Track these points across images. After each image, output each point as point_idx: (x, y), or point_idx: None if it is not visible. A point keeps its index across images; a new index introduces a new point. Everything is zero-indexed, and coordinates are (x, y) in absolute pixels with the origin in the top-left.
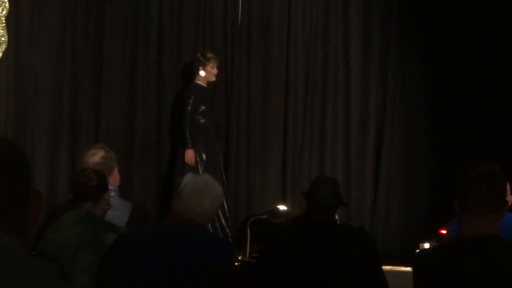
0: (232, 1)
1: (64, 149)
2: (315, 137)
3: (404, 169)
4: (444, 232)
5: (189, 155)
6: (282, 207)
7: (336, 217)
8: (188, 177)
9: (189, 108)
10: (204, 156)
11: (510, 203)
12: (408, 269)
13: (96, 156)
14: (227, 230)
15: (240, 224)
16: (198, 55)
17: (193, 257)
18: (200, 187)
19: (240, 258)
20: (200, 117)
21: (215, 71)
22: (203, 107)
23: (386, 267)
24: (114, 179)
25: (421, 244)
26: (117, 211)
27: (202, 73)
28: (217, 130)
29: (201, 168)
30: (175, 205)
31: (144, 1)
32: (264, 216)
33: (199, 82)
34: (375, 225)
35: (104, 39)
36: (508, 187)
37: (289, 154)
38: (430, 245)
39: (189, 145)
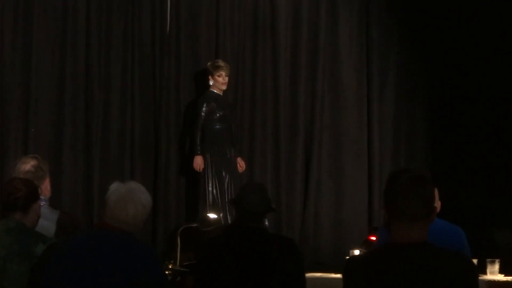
0: (160, 9)
1: None
2: (244, 144)
3: (333, 175)
4: (373, 238)
5: (198, 161)
6: (212, 215)
7: (266, 223)
8: (114, 185)
9: (202, 115)
10: (214, 164)
11: (438, 210)
12: (338, 276)
13: (27, 164)
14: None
15: (171, 233)
16: (208, 63)
17: (122, 266)
18: (123, 195)
19: (170, 266)
20: (215, 124)
21: (222, 79)
22: (217, 115)
23: (316, 274)
24: (44, 190)
25: (351, 251)
26: (46, 220)
27: (211, 82)
28: (232, 138)
29: (210, 175)
30: (102, 214)
31: (72, 10)
32: (195, 225)
33: (213, 90)
34: (305, 231)
35: (32, 49)
36: (436, 193)
37: None
38: (360, 251)
39: (198, 152)
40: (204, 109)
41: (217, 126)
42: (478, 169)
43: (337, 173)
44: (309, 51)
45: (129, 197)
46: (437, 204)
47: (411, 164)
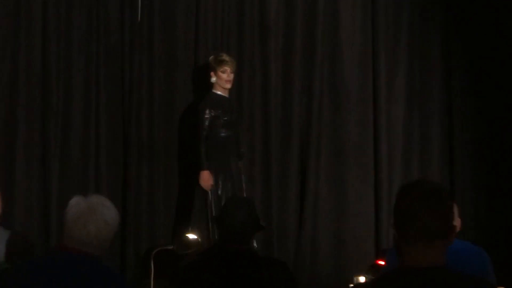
0: None
1: None
2: None
3: (334, 188)
4: (382, 263)
5: (205, 177)
6: (191, 236)
7: (255, 244)
8: (74, 200)
9: (206, 123)
10: (222, 176)
11: (458, 229)
12: None
13: None
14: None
15: (143, 256)
16: (210, 58)
17: None
18: (84, 211)
19: None
20: (220, 130)
21: (226, 76)
22: (222, 120)
23: None
24: None
25: (355, 278)
26: None
27: (213, 79)
28: (238, 146)
29: (218, 189)
30: (62, 234)
31: None
32: (171, 247)
33: (216, 91)
34: (301, 255)
35: None
36: (455, 209)
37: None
38: (366, 278)
39: (205, 167)
40: (207, 116)
41: (223, 134)
42: (506, 181)
43: (338, 185)
44: (304, 42)
45: (90, 213)
46: (457, 222)
47: (425, 175)
